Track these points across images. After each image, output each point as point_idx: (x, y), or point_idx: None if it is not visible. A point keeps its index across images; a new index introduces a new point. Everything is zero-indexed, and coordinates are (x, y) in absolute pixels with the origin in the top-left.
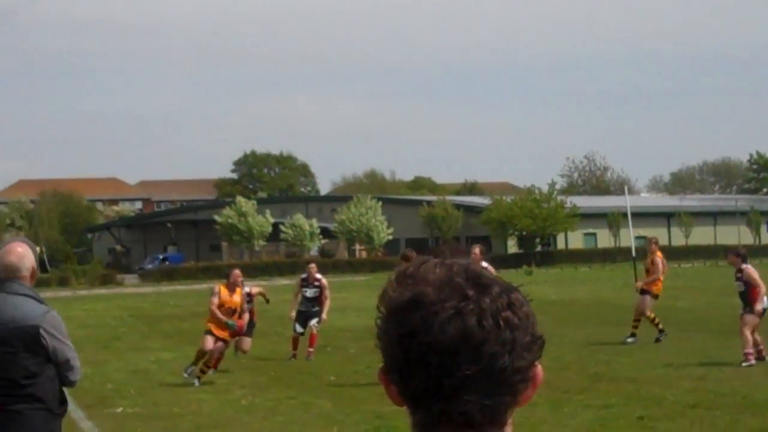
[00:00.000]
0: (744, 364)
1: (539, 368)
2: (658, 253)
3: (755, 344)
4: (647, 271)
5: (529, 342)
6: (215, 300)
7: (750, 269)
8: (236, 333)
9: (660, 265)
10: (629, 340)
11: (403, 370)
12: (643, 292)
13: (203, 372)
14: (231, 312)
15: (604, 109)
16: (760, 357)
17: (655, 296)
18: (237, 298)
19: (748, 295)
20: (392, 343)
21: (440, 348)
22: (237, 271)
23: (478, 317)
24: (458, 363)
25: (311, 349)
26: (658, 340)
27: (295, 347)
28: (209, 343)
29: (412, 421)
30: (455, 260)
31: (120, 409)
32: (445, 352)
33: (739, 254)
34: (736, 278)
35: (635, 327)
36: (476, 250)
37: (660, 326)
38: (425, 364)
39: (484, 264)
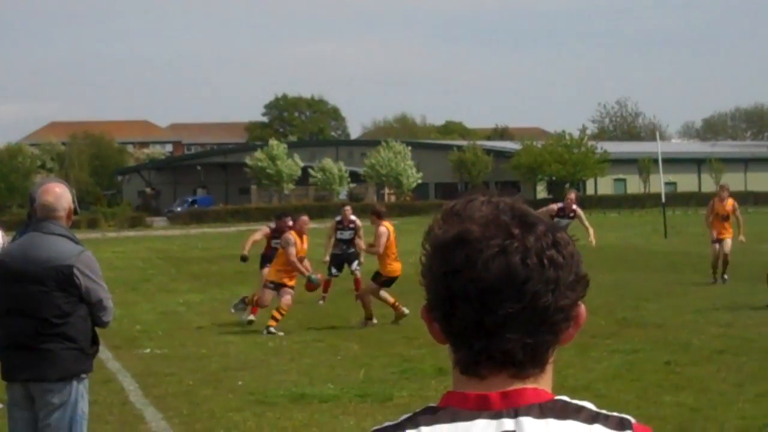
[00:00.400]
0: None
1: (582, 308)
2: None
3: None
4: (722, 218)
5: (573, 281)
6: (293, 251)
7: None
8: (317, 287)
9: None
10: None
11: (446, 307)
12: (717, 241)
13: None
14: (300, 260)
15: (636, 55)
16: None
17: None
18: (305, 245)
19: None
20: (436, 280)
21: (484, 286)
22: (305, 218)
23: (522, 255)
24: (501, 301)
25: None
26: (715, 281)
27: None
28: (268, 298)
29: (453, 359)
30: (502, 198)
31: (147, 350)
32: (489, 290)
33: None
34: None
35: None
36: (572, 195)
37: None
38: (468, 301)
39: (574, 207)
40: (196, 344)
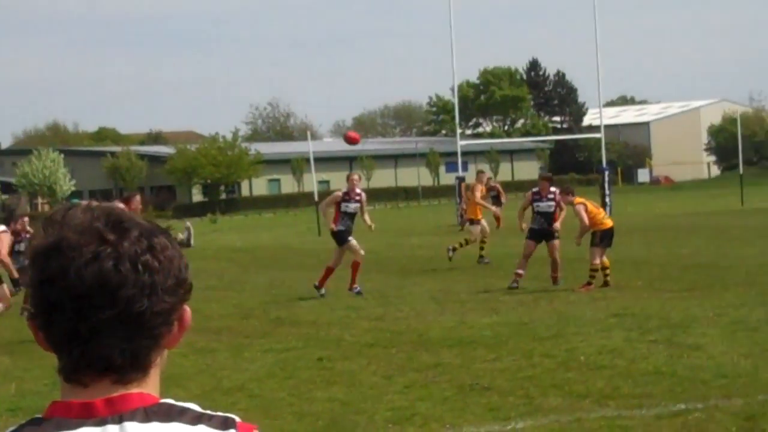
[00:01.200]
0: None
1: (188, 311)
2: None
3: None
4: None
5: (173, 285)
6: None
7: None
8: None
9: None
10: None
11: (45, 315)
12: (478, 222)
13: None
14: None
15: (287, 56)
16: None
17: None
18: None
19: (554, 217)
20: (35, 289)
21: (77, 293)
22: (26, 218)
23: (115, 261)
24: (95, 308)
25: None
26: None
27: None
28: (6, 291)
29: (58, 367)
30: (100, 205)
31: None
32: (82, 297)
33: (550, 178)
34: (545, 199)
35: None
36: (354, 176)
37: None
38: (63, 309)
39: (358, 190)
40: None
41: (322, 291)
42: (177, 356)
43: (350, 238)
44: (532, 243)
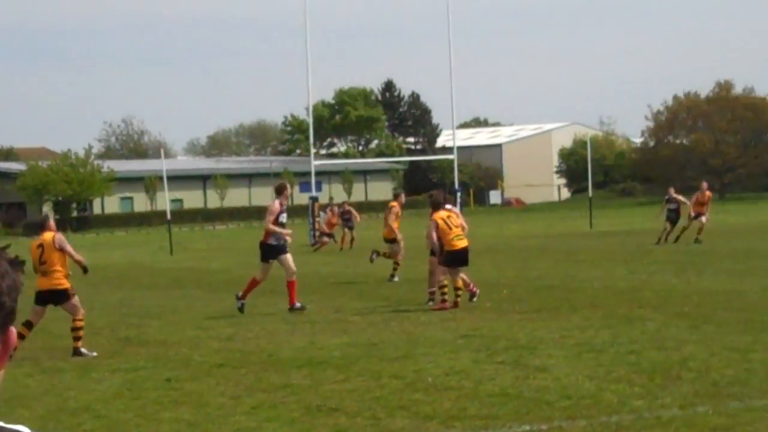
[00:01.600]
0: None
1: (12, 333)
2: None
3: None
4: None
5: None
6: None
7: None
8: None
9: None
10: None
11: None
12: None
13: None
14: None
15: (141, 73)
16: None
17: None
18: None
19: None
20: None
21: None
22: None
23: None
24: None
25: None
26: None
27: None
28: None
29: None
30: None
31: None
32: None
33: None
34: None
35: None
36: (287, 188)
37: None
38: None
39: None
40: None
41: (240, 304)
42: (22, 376)
43: (281, 256)
44: (433, 259)
